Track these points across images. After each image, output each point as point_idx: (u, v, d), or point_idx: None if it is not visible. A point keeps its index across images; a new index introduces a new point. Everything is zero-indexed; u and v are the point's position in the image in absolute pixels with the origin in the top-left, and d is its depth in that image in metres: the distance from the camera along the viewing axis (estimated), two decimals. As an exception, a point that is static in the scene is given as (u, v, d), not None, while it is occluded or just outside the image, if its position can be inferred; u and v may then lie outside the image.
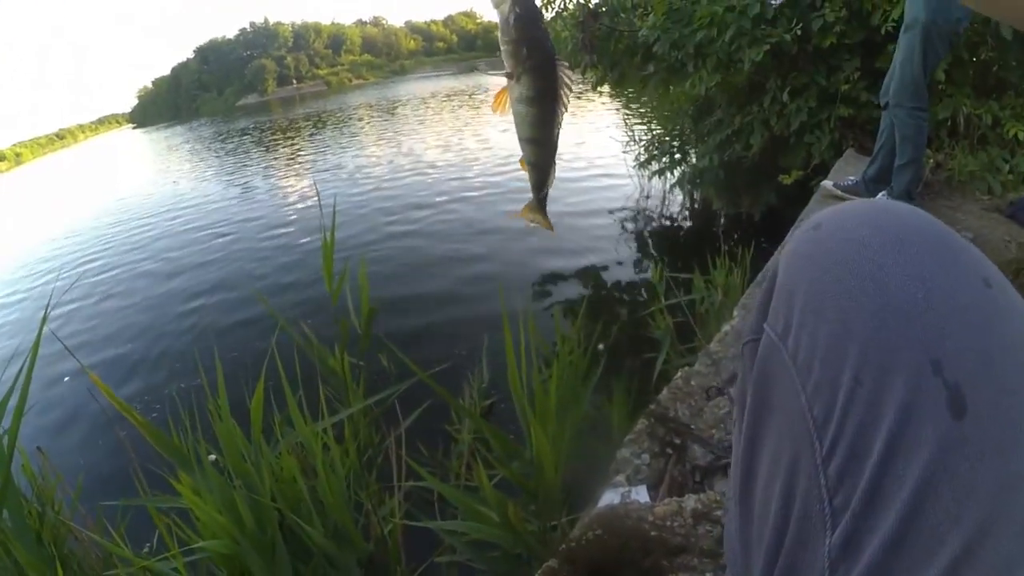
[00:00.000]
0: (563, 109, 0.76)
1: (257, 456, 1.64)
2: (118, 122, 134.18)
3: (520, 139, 0.80)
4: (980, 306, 0.40)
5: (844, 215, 0.48)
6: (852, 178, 3.55)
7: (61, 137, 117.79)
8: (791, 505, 0.44)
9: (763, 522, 0.48)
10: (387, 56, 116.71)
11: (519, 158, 0.84)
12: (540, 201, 0.89)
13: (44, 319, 1.91)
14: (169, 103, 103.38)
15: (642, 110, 9.58)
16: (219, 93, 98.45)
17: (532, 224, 0.92)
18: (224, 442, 1.61)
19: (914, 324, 0.40)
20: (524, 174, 0.85)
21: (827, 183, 3.63)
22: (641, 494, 1.33)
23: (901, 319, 0.40)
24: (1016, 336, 0.40)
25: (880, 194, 3.24)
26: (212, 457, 1.61)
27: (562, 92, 0.75)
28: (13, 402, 1.61)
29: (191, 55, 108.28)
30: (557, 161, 0.84)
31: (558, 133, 0.79)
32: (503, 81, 0.75)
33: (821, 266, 0.45)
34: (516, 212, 0.92)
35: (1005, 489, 0.37)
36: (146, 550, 1.82)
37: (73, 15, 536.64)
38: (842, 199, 3.40)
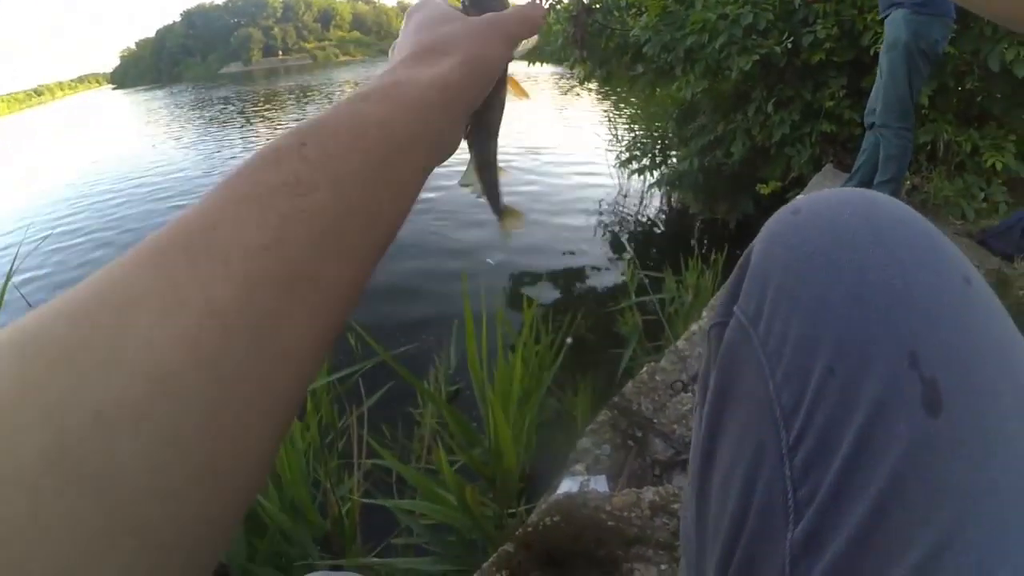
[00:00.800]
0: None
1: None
2: (98, 81, 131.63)
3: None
4: (960, 303, 0.39)
5: (825, 201, 0.46)
6: (828, 192, 3.60)
7: (39, 93, 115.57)
8: (751, 495, 0.43)
9: (721, 512, 0.46)
10: (376, 35, 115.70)
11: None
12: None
13: (9, 276, 1.88)
14: (151, 66, 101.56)
15: (627, 110, 9.57)
16: (203, 59, 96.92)
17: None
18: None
19: (892, 314, 0.38)
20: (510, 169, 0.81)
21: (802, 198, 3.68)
22: (600, 484, 1.34)
23: (879, 309, 0.39)
24: (994, 337, 0.39)
25: None
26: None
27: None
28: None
29: (177, 18, 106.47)
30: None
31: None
32: None
33: (799, 251, 0.43)
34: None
35: (976, 492, 0.35)
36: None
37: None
38: None
